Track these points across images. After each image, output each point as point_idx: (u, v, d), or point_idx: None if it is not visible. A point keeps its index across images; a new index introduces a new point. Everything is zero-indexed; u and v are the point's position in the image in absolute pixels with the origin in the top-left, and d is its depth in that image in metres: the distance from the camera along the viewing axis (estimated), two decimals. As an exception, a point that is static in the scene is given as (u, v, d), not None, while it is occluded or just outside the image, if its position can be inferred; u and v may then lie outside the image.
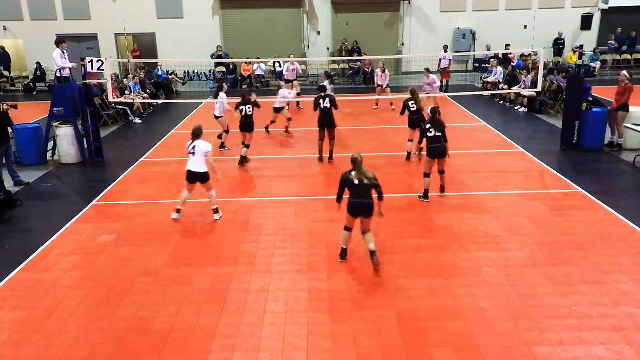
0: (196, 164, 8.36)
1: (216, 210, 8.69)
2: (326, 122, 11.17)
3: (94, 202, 9.60)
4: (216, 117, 12.69)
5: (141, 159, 12.28)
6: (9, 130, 10.71)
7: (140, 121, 16.58)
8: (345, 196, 6.96)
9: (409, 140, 11.45)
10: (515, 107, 16.84)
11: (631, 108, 11.98)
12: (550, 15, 22.63)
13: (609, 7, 23.48)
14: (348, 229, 7.05)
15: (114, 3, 23.17)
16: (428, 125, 8.94)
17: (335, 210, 8.88)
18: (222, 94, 12.43)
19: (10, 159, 10.57)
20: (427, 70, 15.69)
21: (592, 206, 8.89)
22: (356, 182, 6.75)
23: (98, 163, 12.10)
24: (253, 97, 11.73)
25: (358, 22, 23.94)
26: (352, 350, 5.36)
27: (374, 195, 6.84)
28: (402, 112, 11.45)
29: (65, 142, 12.04)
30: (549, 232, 7.91)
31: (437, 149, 8.90)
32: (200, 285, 6.65)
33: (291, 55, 18.65)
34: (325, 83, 12.80)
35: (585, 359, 5.16)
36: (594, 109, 11.88)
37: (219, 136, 12.85)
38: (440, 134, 8.84)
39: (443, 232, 7.97)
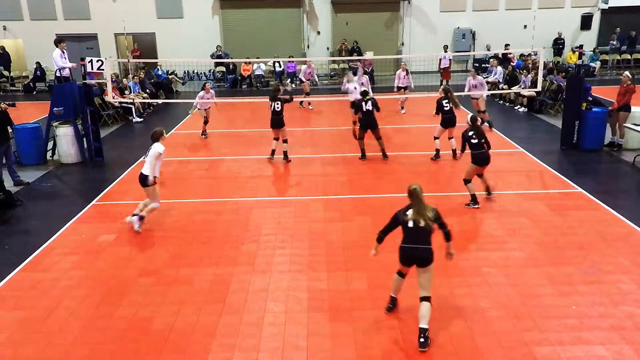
0: (144, 167, 8.06)
1: (141, 218, 8.15)
2: (369, 123, 11.41)
3: (94, 202, 9.60)
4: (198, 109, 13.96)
5: (141, 159, 12.25)
6: (9, 130, 10.72)
7: (141, 120, 16.57)
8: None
9: (435, 138, 11.46)
10: (515, 107, 16.84)
11: (633, 108, 11.99)
12: (550, 15, 22.63)
13: (609, 7, 23.48)
14: (401, 274, 5.88)
15: (114, 3, 23.16)
16: (471, 133, 8.73)
17: (335, 210, 8.95)
18: (201, 93, 13.72)
19: (10, 159, 10.58)
20: (475, 71, 14.62)
21: (592, 206, 8.89)
22: (410, 224, 5.47)
23: (98, 163, 12.10)
24: (288, 86, 11.88)
25: (358, 22, 23.94)
26: (352, 350, 5.36)
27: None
28: (437, 112, 11.56)
29: (65, 142, 12.04)
30: (549, 232, 7.91)
31: (483, 156, 8.72)
32: (200, 285, 6.65)
33: (309, 60, 18.79)
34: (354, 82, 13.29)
35: (585, 359, 5.16)
36: (594, 109, 11.88)
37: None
38: (483, 140, 8.68)
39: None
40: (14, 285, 6.82)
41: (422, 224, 5.40)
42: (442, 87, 11.86)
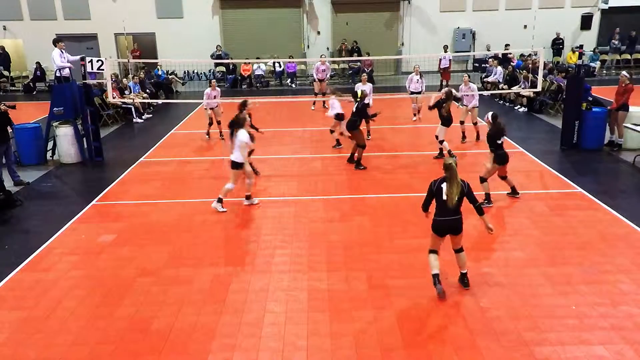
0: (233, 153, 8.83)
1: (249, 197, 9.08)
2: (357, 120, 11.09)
3: (94, 202, 9.59)
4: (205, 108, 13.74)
5: (141, 159, 12.28)
6: (9, 130, 10.72)
7: (143, 120, 16.58)
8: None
9: (441, 139, 11.31)
10: (516, 107, 16.84)
11: (631, 108, 12.00)
12: (550, 15, 22.63)
13: (609, 7, 23.49)
14: (434, 251, 6.21)
15: (114, 3, 23.17)
16: (497, 134, 8.71)
17: (335, 210, 8.95)
18: (207, 90, 13.39)
19: (10, 159, 10.57)
20: (468, 77, 13.41)
21: (592, 206, 8.89)
22: (444, 197, 5.93)
23: (98, 163, 12.10)
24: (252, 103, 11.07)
25: (358, 22, 23.95)
26: (352, 350, 5.36)
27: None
28: (433, 107, 11.31)
29: (65, 142, 12.04)
30: (549, 232, 7.91)
31: (507, 155, 8.77)
32: (200, 285, 6.65)
33: (323, 55, 18.36)
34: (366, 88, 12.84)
35: (585, 359, 5.16)
36: (594, 109, 11.89)
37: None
38: (503, 138, 8.78)
39: (443, 232, 7.95)
40: (14, 285, 6.82)
41: (452, 197, 5.86)
42: (445, 89, 11.72)
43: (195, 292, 6.50)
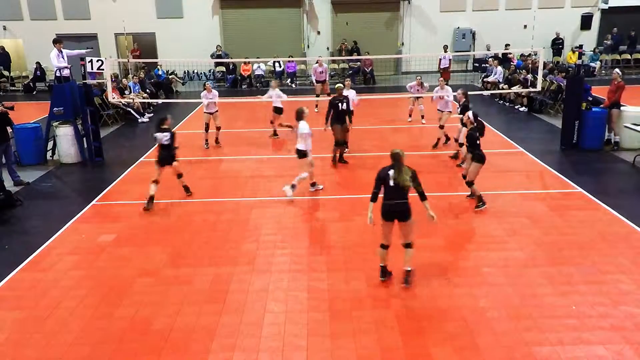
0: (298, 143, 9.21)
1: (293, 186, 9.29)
2: (341, 120, 11.18)
3: (94, 202, 9.60)
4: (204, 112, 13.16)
5: (141, 159, 12.28)
6: (10, 130, 10.71)
7: (147, 119, 16.58)
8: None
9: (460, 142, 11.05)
10: (516, 107, 16.83)
11: (630, 108, 12.08)
12: (550, 15, 22.63)
13: (609, 7, 23.49)
14: (384, 246, 6.48)
15: (114, 3, 23.17)
16: (478, 134, 8.62)
17: (335, 210, 8.95)
18: (203, 93, 12.89)
19: (10, 158, 10.58)
20: (444, 81, 12.98)
21: (592, 206, 8.89)
22: (392, 183, 6.30)
23: (98, 163, 12.10)
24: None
25: (358, 22, 23.94)
26: (352, 350, 5.36)
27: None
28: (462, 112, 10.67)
29: (65, 142, 12.04)
30: (549, 232, 7.91)
31: (484, 156, 8.59)
32: (200, 285, 6.65)
33: (320, 57, 18.14)
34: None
35: (585, 359, 5.16)
36: (594, 109, 11.90)
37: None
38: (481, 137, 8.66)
39: (443, 232, 7.96)
40: (14, 285, 6.82)
41: (401, 183, 6.24)
42: (461, 90, 11.15)
43: (195, 292, 6.50)
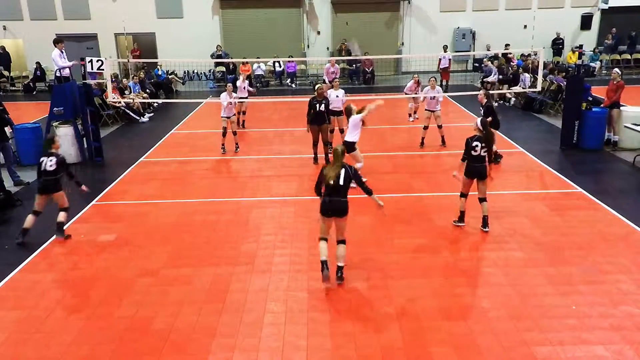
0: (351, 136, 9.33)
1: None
2: (320, 121, 11.19)
3: (94, 202, 9.59)
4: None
5: (141, 159, 12.28)
6: (9, 130, 10.71)
7: (147, 119, 16.58)
8: None
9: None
10: (505, 102, 17.27)
11: (630, 108, 12.08)
12: (550, 15, 22.64)
13: (609, 7, 23.50)
14: (324, 239, 6.57)
15: (114, 3, 23.18)
16: (476, 144, 7.71)
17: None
18: (223, 95, 12.38)
19: (9, 159, 10.57)
20: (435, 80, 12.73)
21: (592, 206, 8.89)
22: (331, 182, 6.37)
23: (98, 163, 12.10)
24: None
25: (358, 22, 23.95)
26: (352, 350, 5.36)
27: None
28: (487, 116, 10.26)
29: (65, 142, 12.00)
30: (549, 232, 7.91)
31: (479, 169, 7.79)
32: (200, 285, 6.65)
33: (333, 57, 18.16)
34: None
35: (585, 359, 5.16)
36: (594, 109, 11.91)
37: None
38: (486, 150, 7.74)
39: (443, 232, 7.96)
40: (14, 285, 6.81)
41: (326, 178, 6.35)
42: (483, 91, 10.99)
43: (195, 292, 6.50)
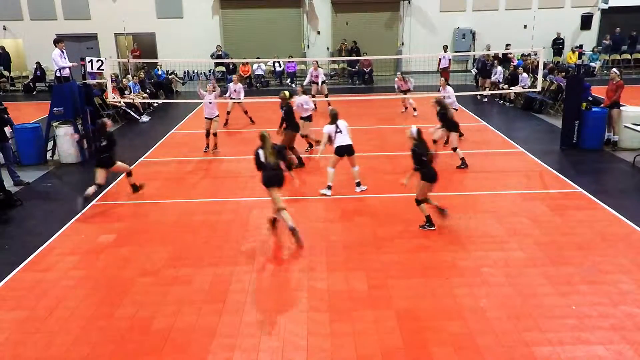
0: (346, 139, 9.48)
1: (358, 184, 9.69)
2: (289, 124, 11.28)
3: (94, 202, 9.59)
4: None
5: (141, 159, 12.28)
6: (9, 130, 10.71)
7: (147, 119, 16.57)
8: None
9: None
10: (483, 99, 17.71)
11: (630, 108, 12.09)
12: (550, 15, 22.65)
13: (609, 7, 23.50)
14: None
15: (114, 3, 23.18)
16: (421, 151, 7.97)
17: (335, 210, 8.95)
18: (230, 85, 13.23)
19: (9, 159, 10.57)
20: (445, 81, 13.58)
21: (592, 206, 8.89)
22: (263, 159, 7.64)
23: (98, 163, 12.08)
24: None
25: (358, 22, 23.95)
26: (352, 350, 5.36)
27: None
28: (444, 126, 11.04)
29: (65, 142, 12.03)
30: (549, 232, 7.91)
31: (435, 174, 8.05)
32: (200, 285, 6.65)
33: (315, 62, 17.71)
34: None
35: (585, 359, 5.16)
36: (594, 109, 11.90)
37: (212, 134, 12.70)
38: (430, 155, 8.05)
39: (443, 232, 7.97)
40: (14, 285, 6.82)
41: (267, 158, 7.61)
42: (435, 98, 11.33)
43: (195, 292, 6.50)
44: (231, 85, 14.96)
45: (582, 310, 5.91)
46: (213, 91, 12.50)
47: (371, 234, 8.00)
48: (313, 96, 16.85)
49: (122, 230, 8.34)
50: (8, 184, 9.93)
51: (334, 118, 9.57)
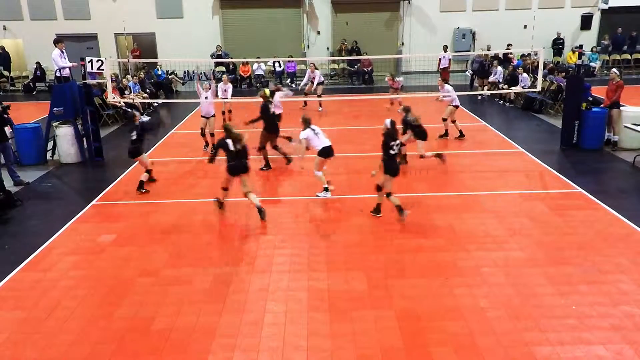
0: (327, 140, 9.49)
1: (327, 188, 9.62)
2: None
3: (94, 202, 9.59)
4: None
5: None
6: (9, 130, 10.71)
7: (148, 118, 16.56)
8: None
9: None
10: (481, 97, 17.92)
11: (630, 108, 12.09)
12: (550, 15, 22.63)
13: (609, 7, 23.48)
14: (226, 189, 8.69)
15: (114, 3, 23.17)
16: (392, 143, 8.22)
17: (335, 210, 8.96)
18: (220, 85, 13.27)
19: (9, 159, 10.57)
20: (444, 80, 14.00)
21: (592, 206, 8.89)
22: (232, 148, 8.18)
23: (98, 163, 12.09)
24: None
25: (358, 22, 23.93)
26: (352, 350, 5.36)
27: None
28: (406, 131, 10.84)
29: (65, 142, 12.04)
30: (549, 232, 7.91)
31: (397, 168, 8.36)
32: (200, 285, 6.65)
33: (311, 64, 17.90)
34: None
35: (585, 359, 5.16)
36: (594, 109, 11.90)
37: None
38: (400, 147, 8.40)
39: (443, 232, 7.97)
40: (14, 285, 6.82)
41: (239, 146, 8.22)
42: (403, 105, 11.20)
43: (195, 292, 6.50)
44: (221, 84, 15.17)
45: (582, 310, 5.91)
46: (209, 89, 12.65)
47: (371, 234, 8.00)
48: (306, 94, 17.13)
49: (122, 230, 8.34)
50: (8, 184, 9.93)
51: (307, 123, 9.48)
